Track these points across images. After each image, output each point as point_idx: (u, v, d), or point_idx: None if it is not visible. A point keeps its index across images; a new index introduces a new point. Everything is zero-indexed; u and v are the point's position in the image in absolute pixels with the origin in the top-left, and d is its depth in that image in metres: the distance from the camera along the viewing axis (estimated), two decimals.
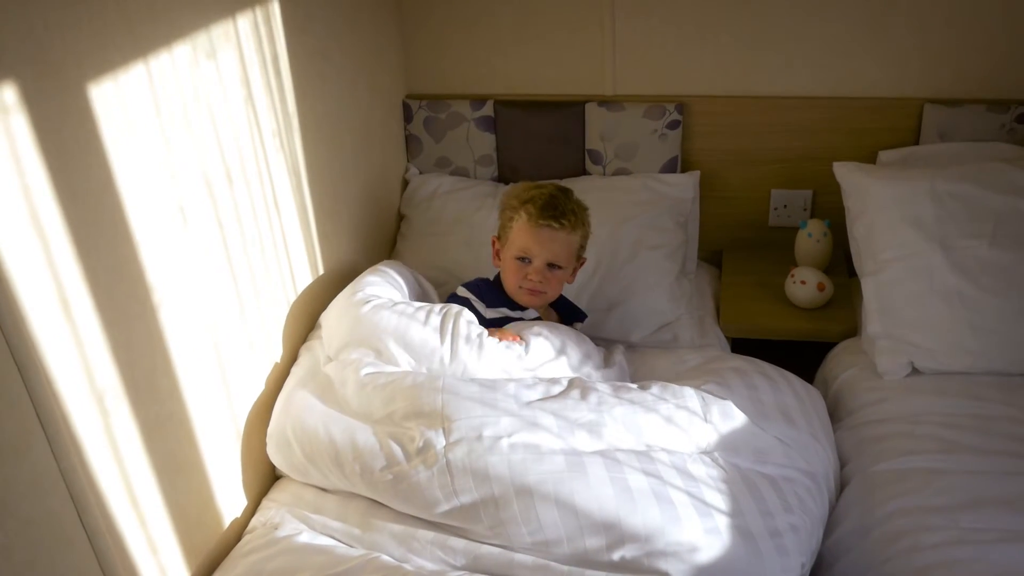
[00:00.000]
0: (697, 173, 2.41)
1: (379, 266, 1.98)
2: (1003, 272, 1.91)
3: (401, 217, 2.50)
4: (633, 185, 2.38)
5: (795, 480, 1.64)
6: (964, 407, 1.83)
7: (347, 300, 1.84)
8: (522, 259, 1.90)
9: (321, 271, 2.00)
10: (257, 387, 1.75)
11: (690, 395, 1.73)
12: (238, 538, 1.66)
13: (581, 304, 2.20)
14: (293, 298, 1.89)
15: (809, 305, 2.22)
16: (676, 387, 1.75)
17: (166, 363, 1.45)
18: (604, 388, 1.71)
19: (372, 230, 2.32)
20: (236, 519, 1.68)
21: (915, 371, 1.96)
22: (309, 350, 1.86)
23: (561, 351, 1.85)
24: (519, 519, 1.47)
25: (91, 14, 1.24)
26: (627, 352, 2.06)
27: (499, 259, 1.99)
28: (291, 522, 1.62)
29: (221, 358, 1.61)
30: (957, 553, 1.48)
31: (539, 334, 1.85)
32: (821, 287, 2.19)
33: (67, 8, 1.20)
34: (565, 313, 2.08)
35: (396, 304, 1.80)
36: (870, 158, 2.30)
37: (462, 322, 1.78)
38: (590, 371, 1.87)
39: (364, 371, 1.69)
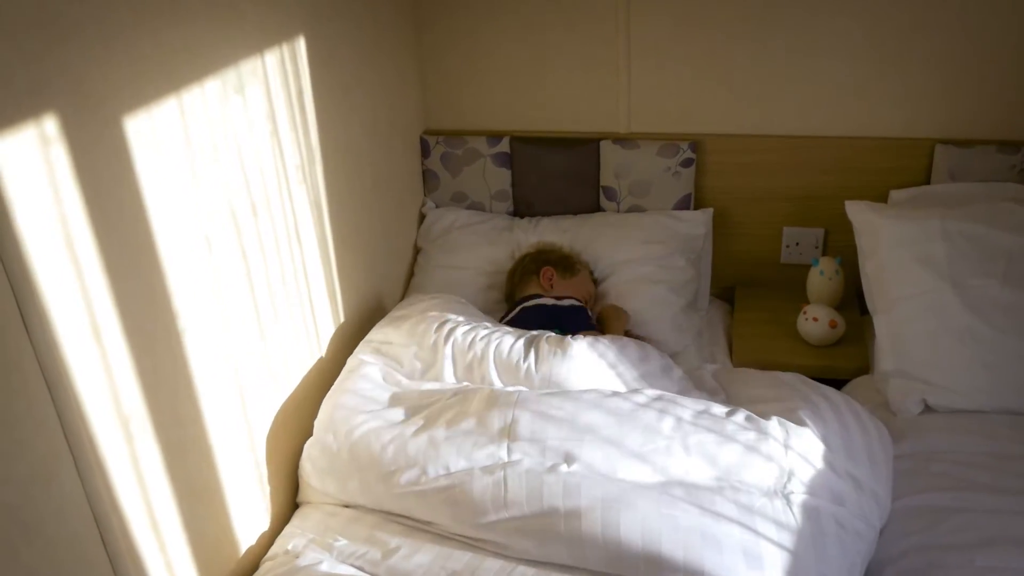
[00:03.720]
0: (710, 210, 2.44)
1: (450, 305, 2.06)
2: (1015, 311, 1.92)
3: (417, 250, 2.53)
4: (646, 222, 2.40)
5: (863, 535, 1.58)
6: (978, 445, 1.83)
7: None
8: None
9: (340, 301, 2.03)
10: (276, 415, 1.77)
11: (774, 427, 1.68)
12: (254, 566, 1.67)
13: None
14: (312, 327, 1.91)
15: (821, 342, 2.23)
16: (763, 421, 1.69)
17: (188, 389, 1.47)
18: (686, 411, 1.70)
19: (389, 262, 2.35)
20: (251, 546, 1.69)
21: (928, 409, 1.96)
22: (360, 358, 1.90)
23: (643, 360, 1.93)
24: (563, 537, 1.49)
25: (128, 49, 1.28)
26: (718, 373, 2.08)
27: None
28: (313, 551, 1.62)
29: (241, 385, 1.63)
30: None
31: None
32: (833, 324, 2.20)
33: (105, 43, 1.23)
34: None
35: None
36: (882, 197, 2.32)
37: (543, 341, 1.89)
38: (667, 383, 1.91)
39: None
